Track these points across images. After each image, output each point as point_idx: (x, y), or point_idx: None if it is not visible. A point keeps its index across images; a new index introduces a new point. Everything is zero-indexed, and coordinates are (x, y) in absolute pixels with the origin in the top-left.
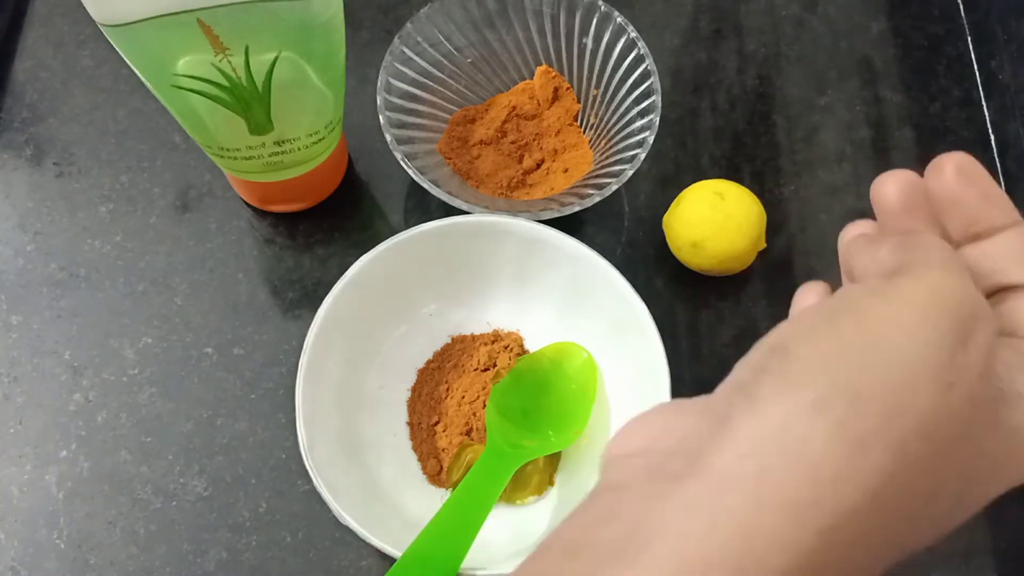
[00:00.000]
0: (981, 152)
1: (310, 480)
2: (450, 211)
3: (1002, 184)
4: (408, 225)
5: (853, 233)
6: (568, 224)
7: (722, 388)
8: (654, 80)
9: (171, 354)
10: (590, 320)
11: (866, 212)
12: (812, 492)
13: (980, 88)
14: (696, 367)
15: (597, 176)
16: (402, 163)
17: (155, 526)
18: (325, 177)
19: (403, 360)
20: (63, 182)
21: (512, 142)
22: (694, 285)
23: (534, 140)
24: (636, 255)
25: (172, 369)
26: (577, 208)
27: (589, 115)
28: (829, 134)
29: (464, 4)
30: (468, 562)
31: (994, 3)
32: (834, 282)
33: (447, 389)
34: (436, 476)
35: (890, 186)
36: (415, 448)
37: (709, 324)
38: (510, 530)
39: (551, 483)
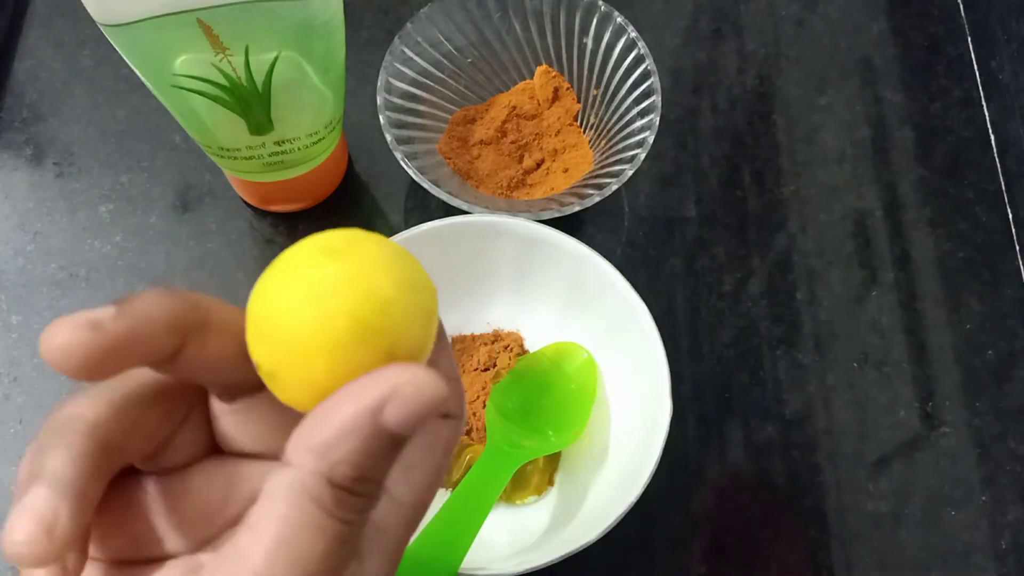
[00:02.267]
0: (981, 152)
1: None
2: (450, 211)
3: (1002, 184)
4: (408, 225)
5: None
6: (568, 224)
7: None
8: (654, 80)
9: None
10: (590, 320)
11: (866, 212)
12: None
13: (980, 88)
14: (696, 367)
15: (597, 176)
16: (402, 163)
17: None
18: (325, 177)
19: None
20: (63, 182)
21: (512, 142)
22: (694, 286)
23: (534, 140)
24: (636, 255)
25: None
26: (577, 208)
27: (589, 115)
28: (829, 134)
29: (464, 4)
30: (468, 562)
31: (994, 3)
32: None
33: None
34: None
35: None
36: None
37: (709, 324)
38: (510, 530)
39: (551, 483)
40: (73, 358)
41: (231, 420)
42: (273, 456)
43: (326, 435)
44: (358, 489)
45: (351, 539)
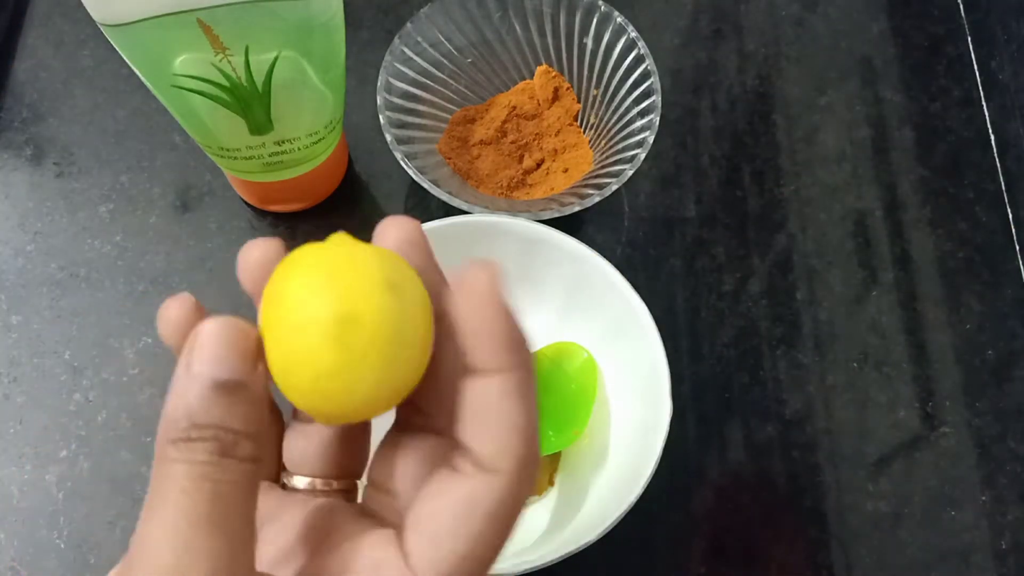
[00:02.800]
0: (981, 152)
1: None
2: (450, 211)
3: (1002, 184)
4: None
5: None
6: (568, 224)
7: None
8: (654, 80)
9: (171, 354)
10: (590, 320)
11: (866, 212)
12: None
13: (980, 88)
14: (696, 367)
15: (597, 176)
16: (402, 163)
17: None
18: (325, 177)
19: None
20: (63, 182)
21: (512, 142)
22: (694, 286)
23: (534, 140)
24: (636, 255)
25: (172, 369)
26: (577, 208)
27: (589, 115)
28: (829, 134)
29: (464, 4)
30: None
31: (994, 3)
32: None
33: None
34: None
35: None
36: None
37: (709, 324)
38: None
39: (551, 483)
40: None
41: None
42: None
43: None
44: (202, 434)
45: (215, 496)
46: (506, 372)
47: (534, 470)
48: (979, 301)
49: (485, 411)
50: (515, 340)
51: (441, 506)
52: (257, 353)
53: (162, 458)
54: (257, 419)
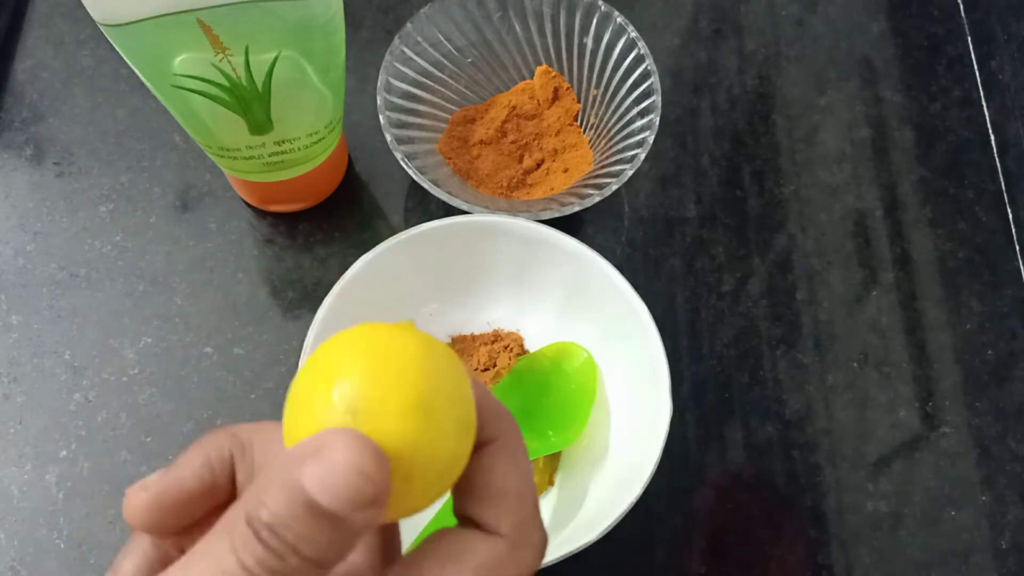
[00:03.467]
0: (981, 152)
1: None
2: (450, 211)
3: (1002, 184)
4: (408, 225)
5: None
6: (568, 224)
7: None
8: (654, 80)
9: (171, 354)
10: (590, 320)
11: (866, 212)
12: None
13: (980, 88)
14: (696, 367)
15: (597, 176)
16: (402, 163)
17: None
18: (325, 177)
19: None
20: (63, 182)
21: (512, 142)
22: (694, 286)
23: (534, 140)
24: (636, 255)
25: (172, 369)
26: (577, 208)
27: (589, 115)
28: (829, 134)
29: (464, 4)
30: None
31: (994, 3)
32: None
33: None
34: None
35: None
36: None
37: (709, 324)
38: None
39: (551, 483)
40: (135, 513)
41: None
42: None
43: (262, 475)
44: (270, 542)
45: None
46: (492, 442)
47: (535, 536)
48: (979, 301)
49: (478, 481)
50: (496, 411)
51: (435, 561)
52: (381, 499)
53: (230, 526)
54: (338, 552)
